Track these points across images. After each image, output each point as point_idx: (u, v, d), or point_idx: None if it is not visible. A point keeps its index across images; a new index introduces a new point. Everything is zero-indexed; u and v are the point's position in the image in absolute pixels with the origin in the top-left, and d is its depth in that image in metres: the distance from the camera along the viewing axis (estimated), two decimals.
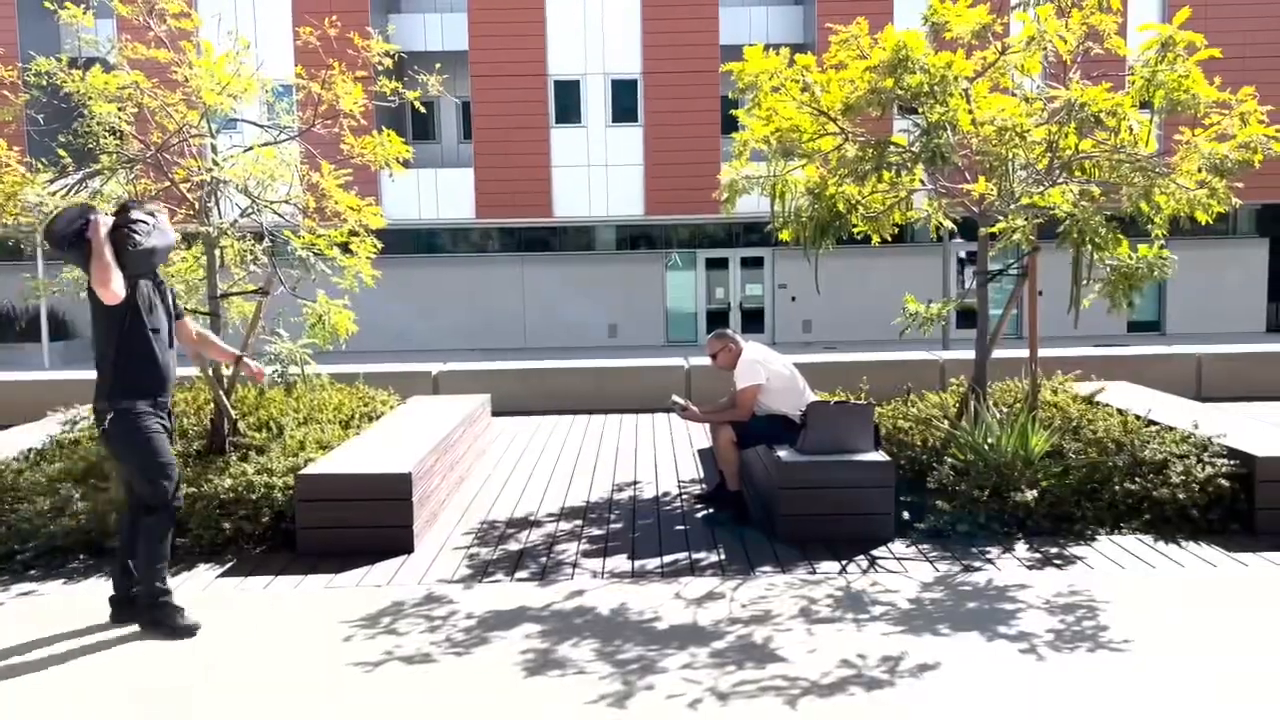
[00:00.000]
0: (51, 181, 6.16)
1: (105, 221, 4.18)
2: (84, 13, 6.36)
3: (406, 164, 6.69)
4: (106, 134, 6.16)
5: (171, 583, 4.95)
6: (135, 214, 4.28)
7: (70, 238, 4.18)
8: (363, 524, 5.40)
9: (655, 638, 4.17)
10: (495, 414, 9.26)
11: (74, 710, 3.63)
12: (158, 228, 4.35)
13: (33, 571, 5.19)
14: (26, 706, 3.68)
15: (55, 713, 3.62)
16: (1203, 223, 6.22)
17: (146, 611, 4.31)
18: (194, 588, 4.92)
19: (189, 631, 4.27)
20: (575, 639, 4.16)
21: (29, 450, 6.53)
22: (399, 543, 5.41)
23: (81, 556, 5.34)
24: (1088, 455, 5.90)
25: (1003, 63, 6.24)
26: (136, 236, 4.22)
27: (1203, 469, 5.60)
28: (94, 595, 4.81)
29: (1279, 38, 22.61)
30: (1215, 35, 6.21)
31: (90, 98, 6.05)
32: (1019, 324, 20.73)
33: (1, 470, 6.03)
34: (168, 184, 6.32)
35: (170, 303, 4.55)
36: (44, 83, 6.10)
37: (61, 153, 6.30)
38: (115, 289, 4.11)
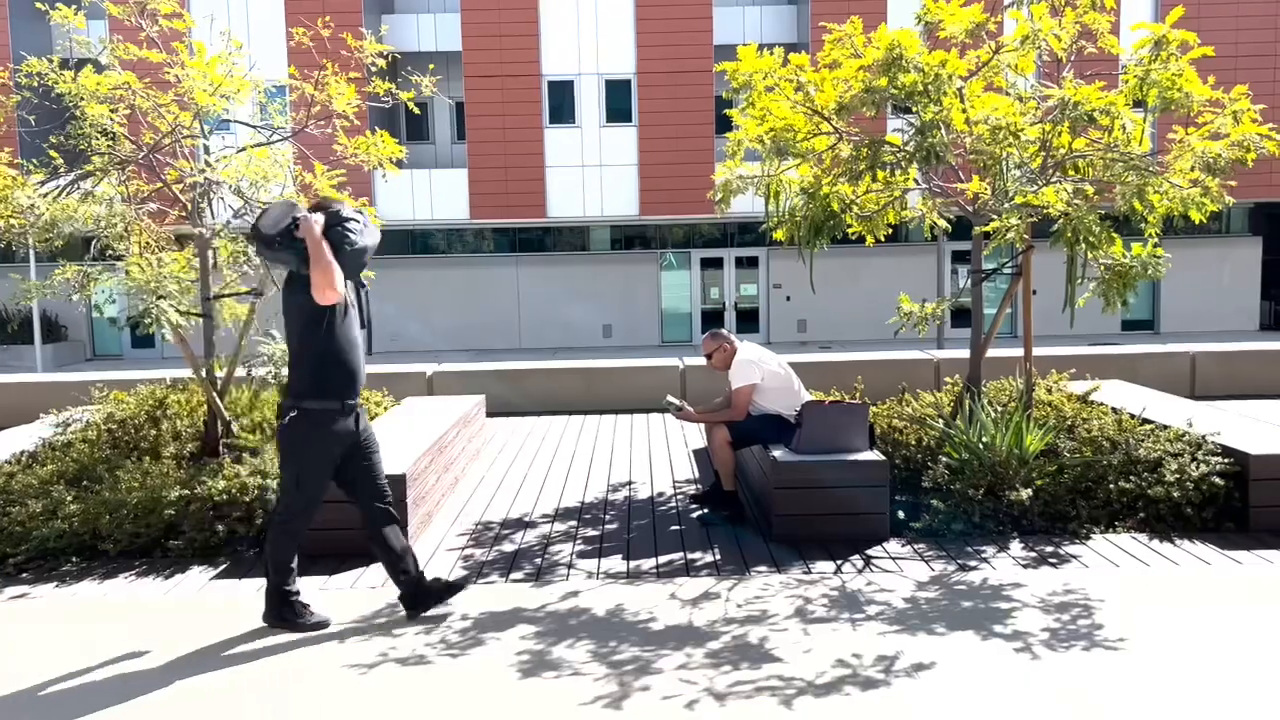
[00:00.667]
0: (43, 183, 6.14)
1: (317, 219, 4.12)
2: (76, 13, 6.33)
3: (400, 164, 6.67)
4: (98, 135, 6.14)
5: (165, 585, 4.95)
6: (347, 212, 4.25)
7: (279, 237, 4.11)
8: (357, 525, 5.36)
9: (651, 638, 4.16)
10: (490, 415, 9.25)
11: (64, 713, 3.62)
12: (367, 227, 4.32)
13: (25, 575, 5.17)
14: (19, 709, 3.66)
15: (46, 715, 3.60)
16: (1196, 221, 6.22)
17: (273, 607, 4.36)
18: (187, 590, 4.90)
19: (320, 625, 4.34)
20: (571, 640, 4.16)
21: (21, 453, 6.50)
22: None
23: (74, 559, 5.31)
24: (1082, 454, 5.90)
25: (996, 62, 6.25)
26: (352, 236, 4.19)
27: (1197, 467, 5.61)
28: (85, 598, 4.80)
29: (1272, 36, 22.68)
30: (1208, 34, 6.23)
31: (82, 99, 6.03)
32: (1013, 323, 20.79)
33: None
34: (160, 185, 6.31)
35: (365, 306, 4.52)
36: (35, 84, 6.08)
37: (53, 154, 6.28)
38: (339, 289, 4.10)
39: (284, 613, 4.34)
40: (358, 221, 4.25)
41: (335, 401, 4.25)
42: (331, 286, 4.06)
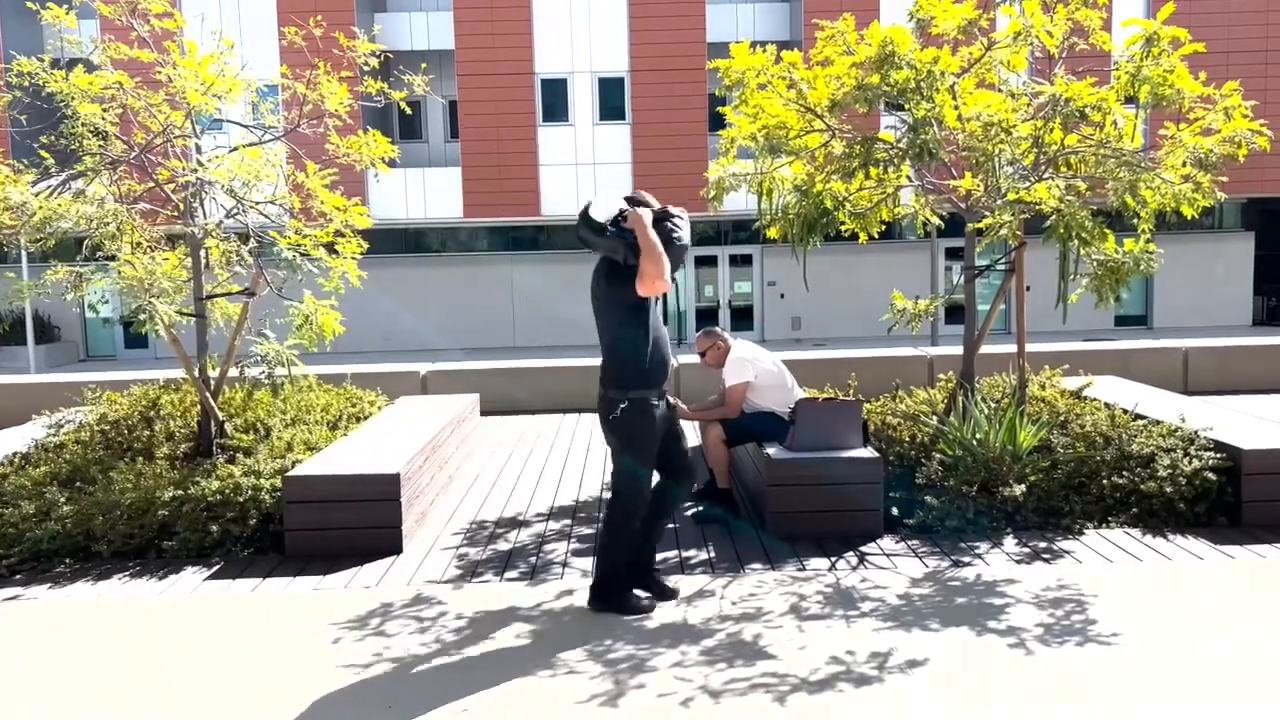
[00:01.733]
0: (35, 183, 6.12)
1: (644, 213, 4.23)
2: (67, 13, 6.31)
3: (393, 163, 6.66)
4: (90, 135, 6.12)
5: (159, 586, 4.95)
6: (673, 209, 4.40)
7: (612, 226, 4.23)
8: (351, 525, 5.38)
9: (645, 636, 4.17)
10: (484, 413, 9.25)
11: (57, 713, 3.61)
12: (687, 225, 4.46)
13: (18, 576, 5.16)
14: (7, 710, 3.65)
15: (37, 714, 3.60)
16: (1188, 217, 6.24)
17: (598, 592, 4.45)
18: (181, 591, 4.90)
19: (662, 594, 4.48)
20: (566, 638, 4.16)
21: (13, 454, 6.49)
22: (388, 543, 5.39)
23: (67, 561, 5.30)
24: (1075, 449, 5.92)
25: (989, 58, 6.25)
26: (679, 231, 4.36)
27: (1189, 462, 5.63)
28: (79, 599, 4.79)
29: (1262, 32, 22.74)
30: (1199, 30, 6.25)
31: (73, 98, 6.01)
32: (1007, 319, 20.82)
33: None
34: (152, 185, 6.29)
35: (666, 299, 4.62)
36: (27, 83, 6.06)
37: (44, 154, 6.26)
38: (668, 280, 4.20)
39: (625, 600, 4.40)
40: (681, 219, 4.41)
41: (656, 390, 4.37)
42: (662, 277, 4.18)
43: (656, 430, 4.38)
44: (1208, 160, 5.91)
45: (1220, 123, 5.93)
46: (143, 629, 4.41)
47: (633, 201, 4.37)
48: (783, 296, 25.05)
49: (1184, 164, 6.01)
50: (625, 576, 4.47)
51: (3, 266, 21.46)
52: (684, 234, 4.38)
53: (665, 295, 4.44)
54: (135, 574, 5.16)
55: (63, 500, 5.49)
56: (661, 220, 4.31)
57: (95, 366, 23.30)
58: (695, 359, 6.50)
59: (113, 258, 6.19)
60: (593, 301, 4.41)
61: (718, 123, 7.84)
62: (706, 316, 25.50)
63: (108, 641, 4.28)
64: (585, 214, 4.29)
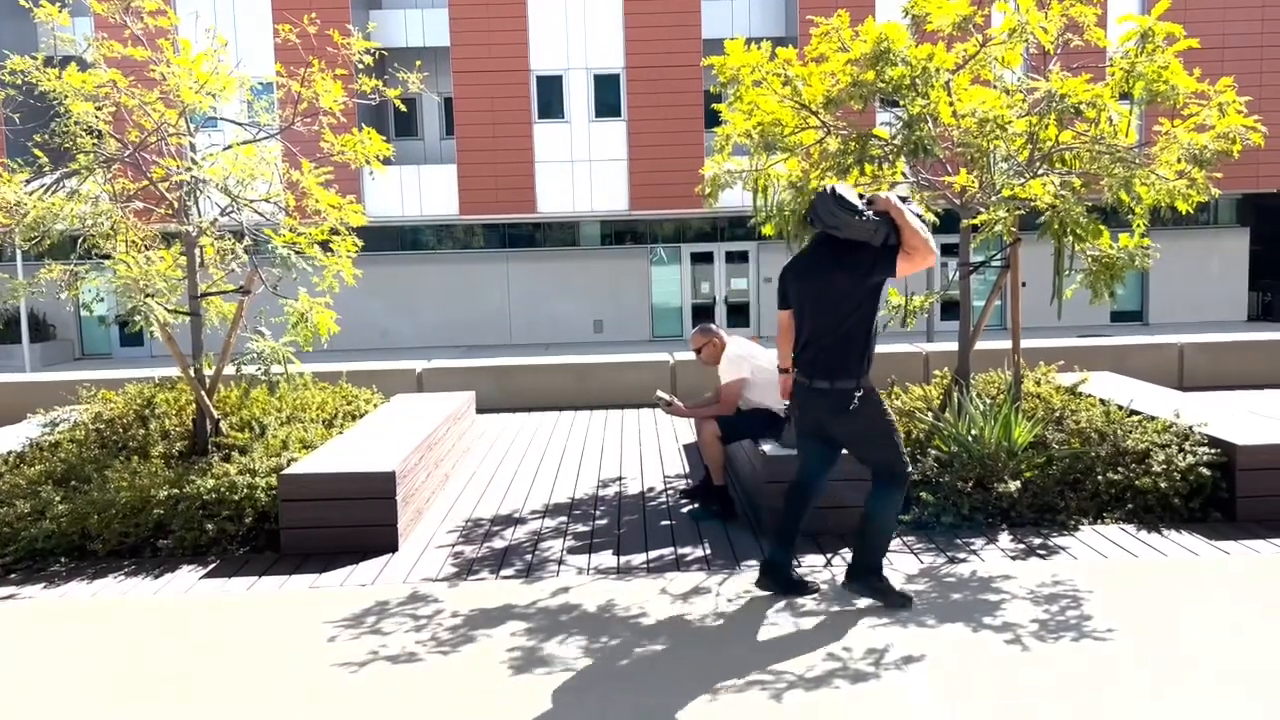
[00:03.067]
0: (28, 182, 6.10)
1: (889, 196, 4.18)
2: (60, 11, 6.29)
3: (387, 162, 6.65)
4: (84, 133, 6.11)
5: (154, 584, 4.95)
6: (909, 196, 4.46)
7: (867, 209, 4.13)
8: (347, 523, 5.38)
9: (642, 633, 4.17)
10: (480, 411, 9.24)
11: (53, 712, 3.61)
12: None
13: (13, 575, 5.15)
14: (4, 710, 3.65)
15: (33, 714, 3.60)
16: (1183, 213, 6.25)
17: (862, 577, 4.39)
18: (176, 590, 4.89)
19: (905, 600, 4.36)
20: (562, 636, 4.16)
21: (8, 453, 6.48)
22: (383, 542, 5.39)
23: (63, 560, 5.30)
24: (1070, 445, 5.93)
25: (984, 55, 6.25)
26: (920, 214, 4.38)
27: (1184, 458, 5.64)
28: (74, 598, 4.79)
29: (1257, 28, 22.75)
30: (1194, 26, 6.25)
31: (67, 96, 5.99)
32: (1002, 315, 20.85)
33: None
34: (146, 183, 6.28)
35: None
36: (20, 81, 6.04)
37: (38, 152, 6.24)
38: (937, 253, 4.21)
39: (881, 585, 4.37)
40: (914, 204, 4.38)
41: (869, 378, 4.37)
42: (932, 250, 4.16)
43: (888, 408, 4.45)
44: (1202, 156, 5.92)
45: (1215, 118, 5.93)
46: (138, 628, 4.41)
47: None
48: None
49: (1179, 160, 6.01)
50: (788, 571, 4.55)
51: None
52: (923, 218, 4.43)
53: None
54: (131, 573, 5.15)
55: (58, 499, 5.48)
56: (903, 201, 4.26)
57: (90, 365, 23.25)
58: (691, 356, 6.50)
59: (107, 256, 6.18)
60: (814, 293, 4.31)
61: (713, 120, 7.83)
62: (702, 313, 25.49)
63: (103, 640, 4.27)
64: (838, 197, 4.14)
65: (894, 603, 4.35)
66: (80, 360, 24.57)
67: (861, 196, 4.24)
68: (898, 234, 4.15)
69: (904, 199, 4.26)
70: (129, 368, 13.45)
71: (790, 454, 5.58)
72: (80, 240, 6.20)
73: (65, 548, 5.34)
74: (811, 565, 4.97)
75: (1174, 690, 3.56)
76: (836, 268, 4.27)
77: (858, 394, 4.28)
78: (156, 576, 5.08)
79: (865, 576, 4.41)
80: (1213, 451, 5.66)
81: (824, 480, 4.58)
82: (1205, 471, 5.56)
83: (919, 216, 4.23)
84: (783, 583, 4.54)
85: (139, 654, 4.12)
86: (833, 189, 4.22)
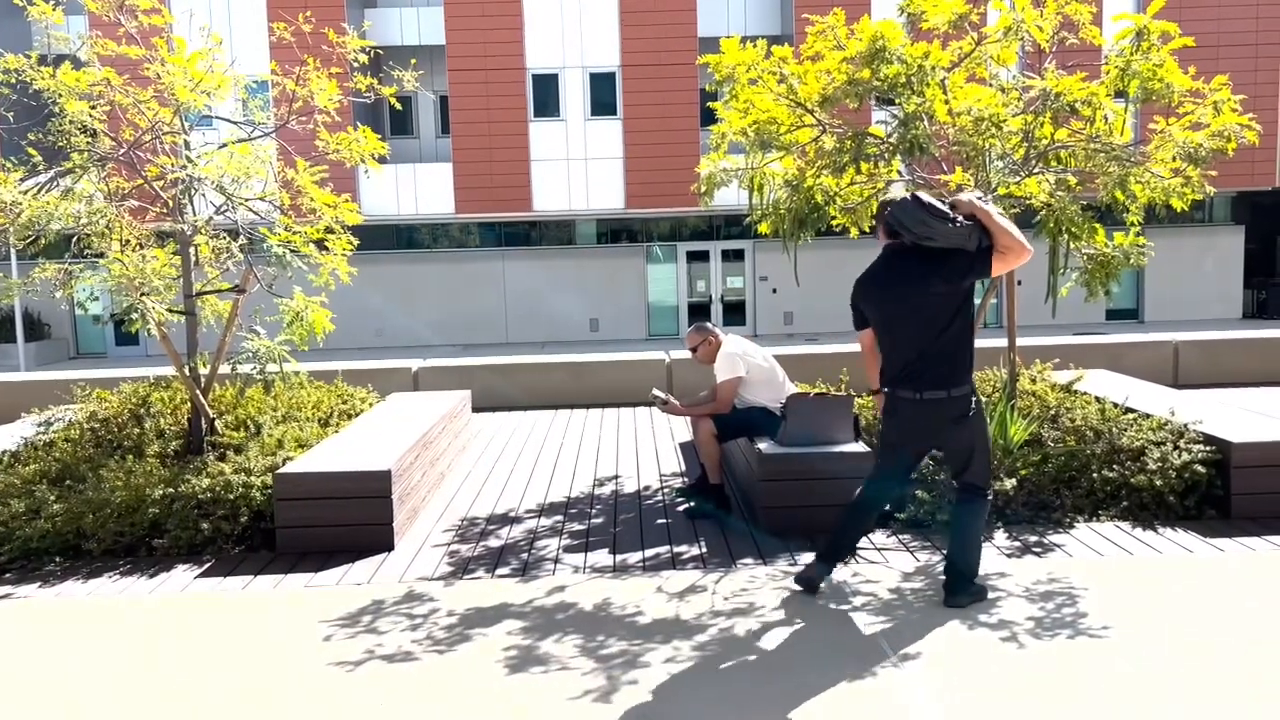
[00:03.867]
0: (23, 180, 6.09)
1: (973, 198, 4.15)
2: (53, 9, 6.27)
3: (383, 160, 6.64)
4: (78, 132, 6.09)
5: (149, 584, 4.94)
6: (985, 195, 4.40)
7: (950, 213, 4.08)
8: (342, 522, 5.38)
9: (638, 632, 4.17)
10: (476, 410, 9.23)
11: (47, 711, 3.60)
12: None
13: (8, 575, 5.14)
14: (6, 709, 3.64)
15: (30, 714, 3.59)
16: (1178, 211, 6.26)
17: (965, 587, 4.36)
18: (172, 589, 4.88)
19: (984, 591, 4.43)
20: (558, 635, 4.16)
21: (3, 452, 6.46)
22: (379, 540, 5.39)
23: (58, 559, 5.29)
24: (1066, 443, 5.93)
25: (979, 53, 6.26)
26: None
27: (1179, 455, 5.64)
28: (71, 597, 4.78)
29: (1252, 26, 22.78)
30: (1189, 24, 6.26)
31: (61, 95, 5.97)
32: (998, 313, 20.87)
33: None
34: (141, 182, 6.26)
35: None
36: (13, 80, 6.02)
37: (32, 151, 6.22)
38: (1031, 249, 4.12)
39: (976, 593, 4.39)
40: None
41: None
42: (1026, 247, 4.09)
43: None
44: (1197, 154, 5.92)
45: (1210, 117, 5.94)
46: (133, 627, 4.40)
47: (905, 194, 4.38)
48: (775, 291, 25.04)
49: (1174, 158, 6.02)
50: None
51: None
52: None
53: None
54: (126, 572, 5.14)
55: (53, 498, 5.47)
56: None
57: (85, 364, 23.21)
58: (687, 354, 6.50)
59: (102, 255, 6.17)
60: (906, 307, 4.22)
61: (709, 118, 7.83)
62: (698, 312, 25.49)
63: (98, 640, 4.27)
64: (928, 206, 4.08)
65: (983, 595, 4.41)
66: (75, 359, 24.51)
67: (942, 200, 4.18)
68: (988, 235, 4.11)
69: (982, 198, 4.23)
70: (124, 367, 13.43)
71: (787, 452, 5.59)
72: (75, 239, 6.18)
73: (60, 547, 5.33)
74: (808, 563, 4.96)
75: (1170, 688, 3.56)
76: (931, 276, 4.15)
77: (974, 399, 4.26)
78: (152, 576, 5.08)
79: (966, 586, 4.38)
80: (1208, 449, 5.67)
81: (899, 492, 4.52)
82: (1200, 469, 5.57)
83: (1001, 214, 4.19)
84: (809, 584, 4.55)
85: (134, 654, 4.11)
86: (914, 197, 4.13)
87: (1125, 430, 5.99)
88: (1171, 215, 6.25)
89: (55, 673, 3.95)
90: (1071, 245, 6.16)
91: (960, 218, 4.08)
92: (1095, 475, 5.66)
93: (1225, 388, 9.60)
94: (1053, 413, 6.47)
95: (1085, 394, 7.07)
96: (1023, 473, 5.63)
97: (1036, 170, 6.15)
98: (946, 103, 5.94)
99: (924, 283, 4.17)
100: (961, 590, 4.37)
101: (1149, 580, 4.67)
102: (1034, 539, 5.27)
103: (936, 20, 6.18)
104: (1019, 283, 6.81)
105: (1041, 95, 5.87)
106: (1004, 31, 6.15)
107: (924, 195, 4.16)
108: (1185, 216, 6.66)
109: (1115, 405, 6.60)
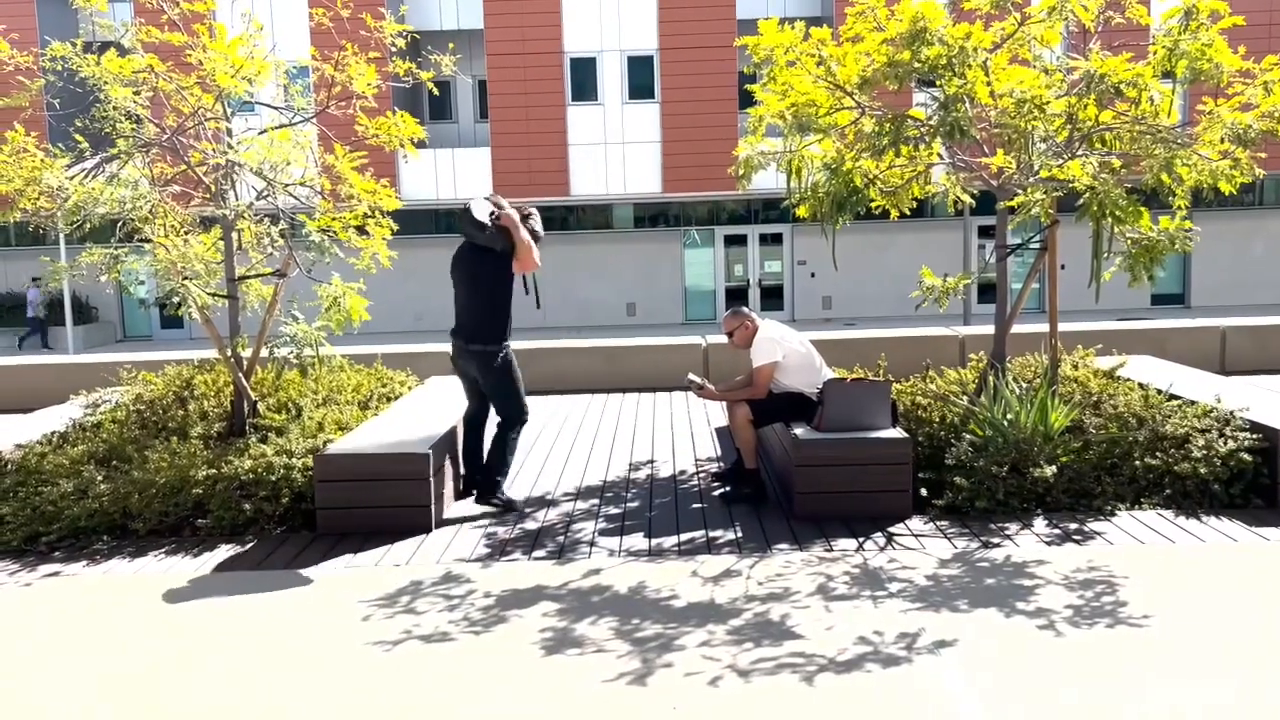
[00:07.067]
0: (69, 166, 6.19)
1: (512, 212, 5.76)
2: None
3: (421, 145, 6.66)
4: (123, 118, 6.18)
5: (194, 563, 5.03)
6: (529, 209, 5.98)
7: (488, 223, 5.72)
8: (381, 504, 5.44)
9: (673, 616, 4.18)
10: None
11: (92, 686, 3.69)
12: (539, 220, 6.09)
13: (57, 553, 5.26)
14: (47, 685, 3.74)
15: (62, 689, 3.68)
16: (1226, 194, 6.12)
17: (485, 494, 5.83)
18: (214, 568, 4.97)
19: (512, 505, 5.85)
20: (593, 617, 4.18)
21: (52, 433, 6.60)
22: (417, 522, 5.45)
23: (105, 538, 5.40)
24: (1108, 430, 5.85)
25: (1022, 34, 6.15)
26: (539, 229, 6.01)
27: (1225, 443, 5.55)
28: (117, 574, 4.88)
29: None
30: (1239, 3, 6.11)
31: (106, 82, 6.06)
32: (1040, 298, 20.59)
33: (25, 453, 6.10)
34: (184, 168, 6.34)
35: (533, 281, 6.20)
36: (60, 68, 6.12)
37: (78, 138, 6.32)
38: (539, 261, 5.86)
39: (490, 497, 5.89)
40: (535, 216, 6.03)
41: (509, 342, 5.98)
42: (534, 260, 5.88)
43: (518, 369, 6.04)
44: (1246, 136, 5.79)
45: (1260, 97, 5.80)
46: (176, 605, 4.49)
47: (497, 204, 5.83)
48: (813, 276, 24.91)
49: (1222, 140, 5.89)
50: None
51: (41, 249, 21.77)
52: (541, 229, 6.02)
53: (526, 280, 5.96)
54: (170, 551, 5.24)
55: (100, 479, 5.58)
56: (525, 219, 5.84)
57: (132, 347, 23.64)
58: (724, 339, 6.48)
59: (147, 240, 6.26)
60: (465, 275, 6.02)
61: (747, 101, 7.78)
62: (736, 296, 25.41)
63: (142, 617, 4.36)
64: (469, 215, 5.73)
65: (504, 507, 5.81)
66: (122, 342, 24.97)
67: (494, 215, 5.74)
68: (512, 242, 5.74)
69: (527, 215, 5.82)
70: (169, 349, 13.65)
71: (824, 437, 5.57)
72: (120, 224, 6.28)
73: (107, 526, 5.44)
74: (843, 549, 4.96)
75: (1212, 678, 3.51)
76: (476, 261, 5.95)
77: (500, 354, 5.99)
78: (195, 555, 5.17)
79: (483, 491, 5.87)
80: (1255, 437, 5.57)
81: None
82: (1246, 457, 5.47)
83: (536, 232, 5.88)
84: None
85: (176, 631, 4.20)
86: (467, 207, 5.72)
87: (1169, 417, 5.90)
88: (1219, 198, 6.13)
89: (103, 645, 4.04)
90: (1115, 229, 6.06)
91: (492, 228, 5.69)
92: (1138, 462, 5.58)
93: (1275, 374, 9.41)
94: (1095, 399, 6.38)
95: (1128, 380, 6.96)
96: (1063, 459, 5.56)
97: (1080, 153, 6.05)
98: (988, 84, 5.85)
99: (466, 263, 5.97)
100: (482, 493, 5.83)
101: (1192, 569, 4.60)
102: (1074, 526, 5.21)
103: (978, 1, 6.09)
104: (1062, 267, 6.71)
105: (1086, 77, 5.76)
106: (1048, 11, 6.04)
107: (478, 204, 5.77)
108: (1234, 200, 6.52)
109: (1159, 391, 6.50)
